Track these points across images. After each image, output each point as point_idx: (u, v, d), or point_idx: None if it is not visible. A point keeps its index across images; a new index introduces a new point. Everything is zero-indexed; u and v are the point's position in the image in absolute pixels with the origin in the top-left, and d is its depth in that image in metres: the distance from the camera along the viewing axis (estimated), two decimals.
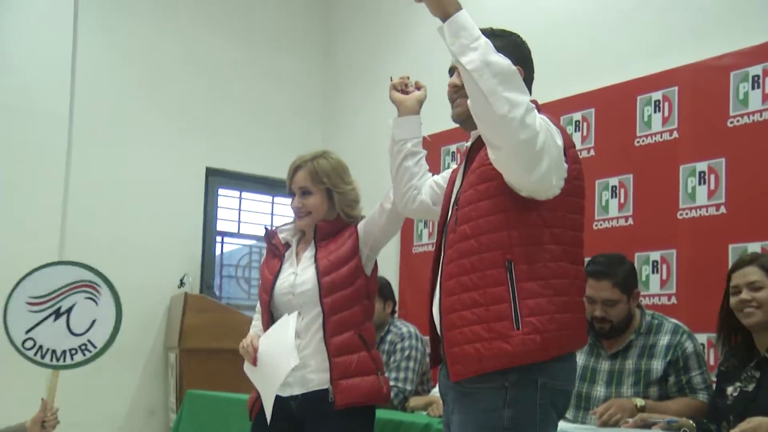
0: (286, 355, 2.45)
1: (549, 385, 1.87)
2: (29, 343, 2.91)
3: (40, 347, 2.92)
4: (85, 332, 2.96)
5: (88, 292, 3.01)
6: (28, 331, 2.91)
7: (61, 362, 2.93)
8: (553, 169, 1.84)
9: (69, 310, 2.96)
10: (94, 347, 2.96)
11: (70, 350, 2.94)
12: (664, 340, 2.90)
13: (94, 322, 2.97)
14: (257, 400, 2.59)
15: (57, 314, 2.95)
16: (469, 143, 2.08)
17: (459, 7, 1.81)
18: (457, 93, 2.05)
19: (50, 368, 2.93)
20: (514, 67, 1.79)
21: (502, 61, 1.77)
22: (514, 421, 1.83)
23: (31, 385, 4.73)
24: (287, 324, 2.53)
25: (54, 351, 2.93)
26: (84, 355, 2.95)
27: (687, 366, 2.85)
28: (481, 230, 1.88)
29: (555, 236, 1.89)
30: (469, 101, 1.82)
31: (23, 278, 2.95)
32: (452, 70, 2.10)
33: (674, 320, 3.00)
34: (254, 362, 2.54)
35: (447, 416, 2.04)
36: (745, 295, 2.53)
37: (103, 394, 4.93)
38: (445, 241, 2.01)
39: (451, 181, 2.16)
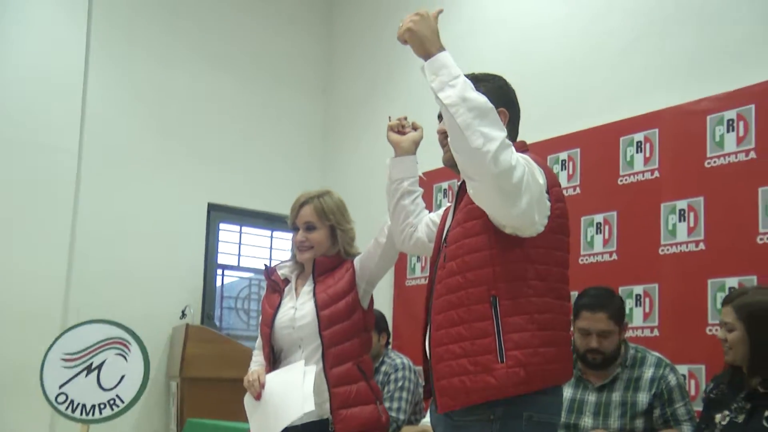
0: (301, 399, 2.40)
1: (535, 418, 1.85)
2: (62, 398, 2.96)
3: (72, 401, 2.97)
4: (114, 387, 3.01)
5: (118, 348, 3.06)
6: (61, 386, 2.97)
7: (90, 417, 2.97)
8: (534, 205, 1.83)
9: (100, 366, 3.03)
10: (122, 402, 3.00)
11: (99, 405, 3.00)
12: (648, 373, 2.91)
13: (122, 377, 3.03)
14: None
15: (89, 370, 3.02)
16: (458, 183, 2.09)
17: (442, 48, 1.85)
18: (446, 138, 2.03)
19: (80, 422, 2.94)
20: (490, 105, 1.79)
21: (479, 97, 1.78)
22: None
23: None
24: (303, 370, 2.49)
25: (84, 405, 2.98)
26: (112, 409, 3.00)
27: (671, 398, 2.85)
28: (467, 266, 1.88)
29: (539, 272, 1.88)
30: (449, 139, 1.83)
31: (60, 336, 2.99)
32: (441, 117, 2.10)
33: (656, 353, 3.00)
34: (258, 397, 2.51)
35: None
36: (721, 334, 2.56)
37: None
38: (435, 277, 2.01)
39: (443, 219, 2.17)
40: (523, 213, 1.81)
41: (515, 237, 1.86)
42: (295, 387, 2.45)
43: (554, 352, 1.86)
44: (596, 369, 2.93)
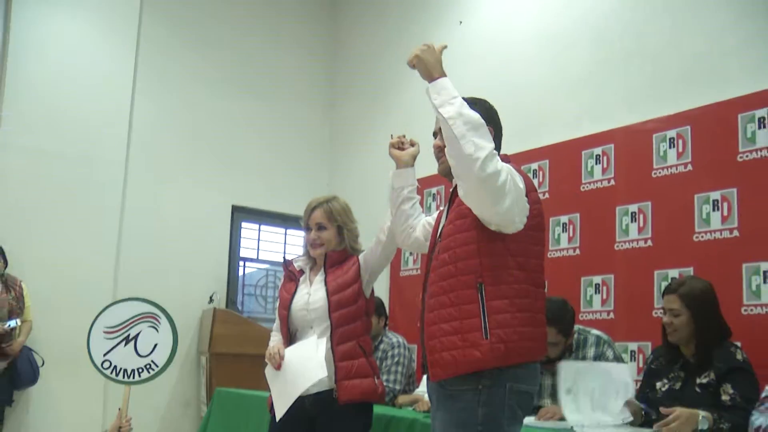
0: (315, 367, 2.44)
1: (515, 389, 1.87)
2: (106, 364, 2.93)
3: (115, 367, 2.96)
4: (149, 354, 2.97)
5: (150, 322, 2.99)
6: (105, 354, 2.95)
7: (131, 379, 2.95)
8: (515, 206, 1.85)
9: (136, 337, 2.99)
10: (157, 366, 2.95)
11: (138, 369, 2.97)
12: (590, 352, 2.94)
13: (155, 345, 2.99)
14: None
15: (127, 340, 2.95)
16: (451, 189, 2.10)
17: (443, 74, 1.90)
18: (441, 152, 2.06)
19: (123, 384, 2.95)
20: (482, 120, 1.83)
21: (473, 114, 1.83)
22: (486, 417, 1.84)
23: (90, 395, 4.86)
24: (315, 342, 2.52)
25: (125, 369, 2.96)
26: (149, 372, 2.94)
27: None
28: (458, 257, 1.90)
29: (519, 263, 1.89)
30: (446, 147, 1.87)
31: (100, 313, 2.98)
32: (435, 134, 2.12)
33: (595, 331, 3.04)
34: (278, 367, 2.54)
35: (433, 413, 2.04)
36: (667, 319, 2.62)
37: (148, 388, 4.96)
38: (429, 267, 2.02)
39: (437, 220, 2.19)
40: (506, 212, 1.83)
41: (499, 233, 1.88)
42: (309, 357, 2.48)
43: (530, 332, 1.88)
44: (542, 364, 2.90)
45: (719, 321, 2.59)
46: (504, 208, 1.82)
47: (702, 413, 2.27)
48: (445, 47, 1.98)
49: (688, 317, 2.56)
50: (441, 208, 2.30)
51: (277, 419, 2.50)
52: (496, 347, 1.81)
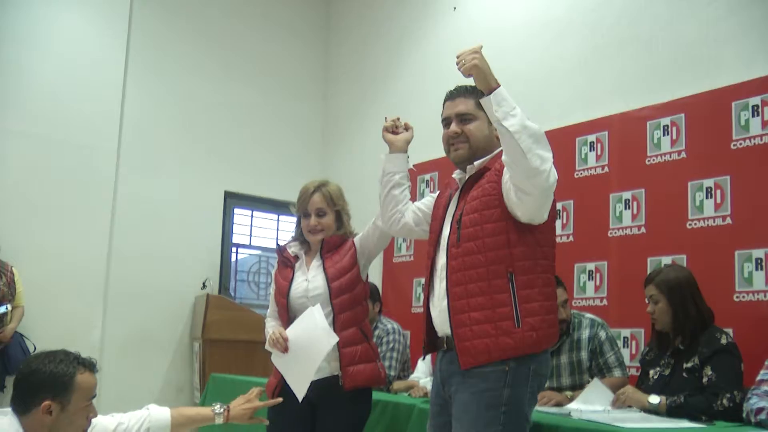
0: (324, 336, 2.38)
1: (537, 371, 1.92)
2: None
3: None
4: None
5: None
6: None
7: None
8: (548, 203, 1.92)
9: None
10: None
11: None
12: (585, 333, 3.01)
13: None
14: (277, 385, 2.52)
15: None
16: (466, 176, 2.11)
17: (498, 83, 1.89)
18: (457, 138, 2.09)
19: None
20: (542, 131, 1.85)
21: (534, 125, 1.84)
22: (511, 398, 1.88)
23: None
24: (312, 313, 2.44)
25: None
26: None
27: (602, 350, 2.97)
28: (487, 247, 1.92)
29: (545, 253, 1.95)
30: (504, 156, 1.88)
31: None
32: (448, 120, 2.14)
33: (589, 315, 3.09)
34: (286, 350, 2.47)
35: (442, 397, 2.06)
36: (650, 308, 2.69)
37: (142, 373, 4.96)
38: (448, 254, 2.01)
39: (441, 206, 2.18)
40: (539, 210, 1.90)
41: (527, 224, 1.92)
42: (313, 328, 2.42)
43: (552, 319, 1.94)
44: None
45: (698, 306, 2.63)
46: (546, 209, 1.90)
47: (652, 396, 2.43)
48: (482, 47, 1.96)
49: (665, 303, 2.64)
50: (432, 194, 2.34)
51: (300, 400, 2.44)
52: (528, 335, 1.86)
